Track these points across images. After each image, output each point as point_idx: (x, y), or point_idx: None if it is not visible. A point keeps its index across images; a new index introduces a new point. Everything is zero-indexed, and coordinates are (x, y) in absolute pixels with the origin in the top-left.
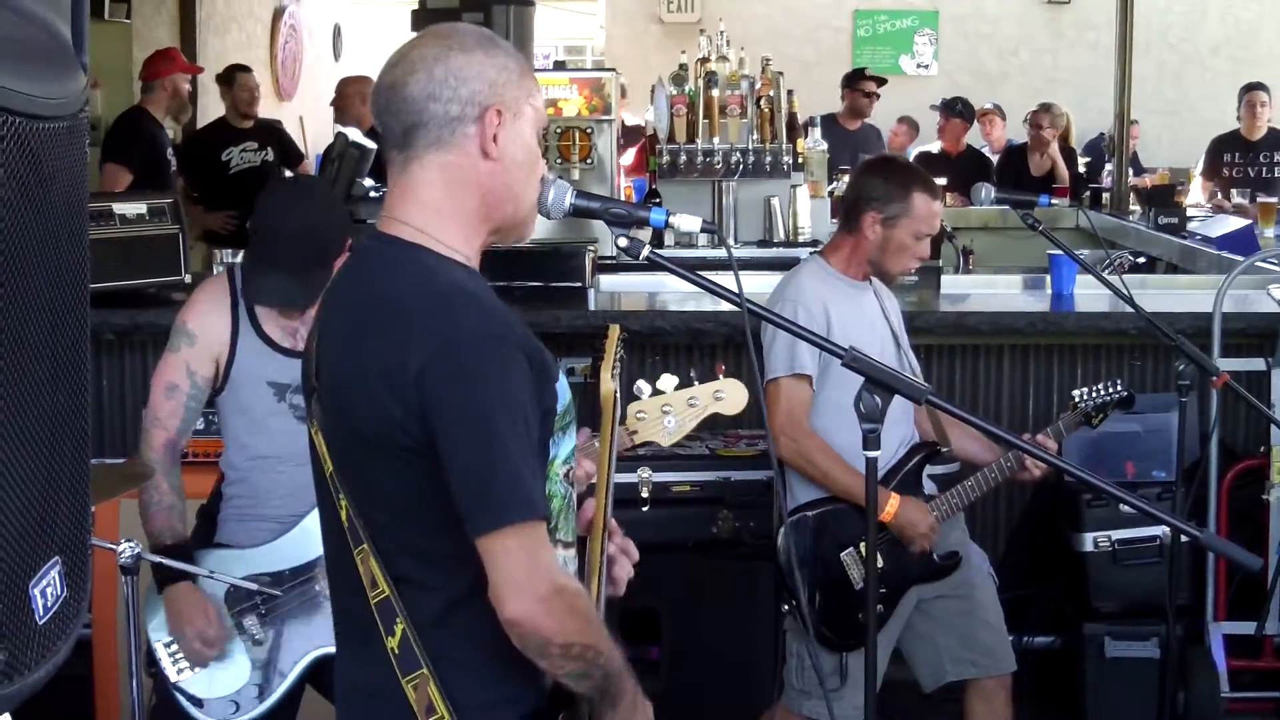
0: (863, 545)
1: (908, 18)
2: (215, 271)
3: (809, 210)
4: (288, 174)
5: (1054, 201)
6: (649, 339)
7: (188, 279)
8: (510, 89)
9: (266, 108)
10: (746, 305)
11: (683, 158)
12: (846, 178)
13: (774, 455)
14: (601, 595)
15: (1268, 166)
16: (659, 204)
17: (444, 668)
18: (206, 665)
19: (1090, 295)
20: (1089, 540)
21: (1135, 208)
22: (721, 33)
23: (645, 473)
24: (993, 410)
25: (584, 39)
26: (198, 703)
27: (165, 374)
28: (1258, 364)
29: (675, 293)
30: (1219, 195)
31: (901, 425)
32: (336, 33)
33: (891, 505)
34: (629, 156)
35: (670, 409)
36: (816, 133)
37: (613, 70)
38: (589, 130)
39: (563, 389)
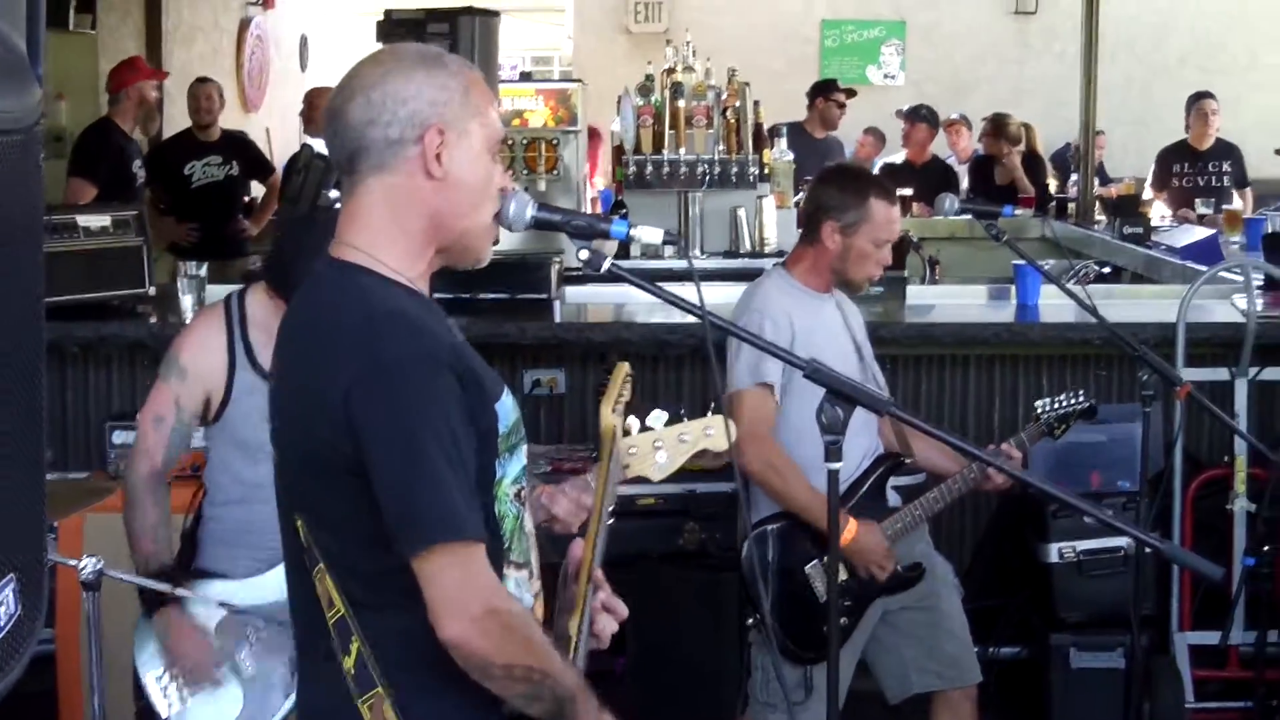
0: (826, 560)
1: (875, 28)
2: (180, 284)
3: (775, 221)
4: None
5: (1018, 211)
6: (614, 350)
7: (152, 291)
8: (453, 108)
9: (233, 119)
10: (707, 317)
11: (649, 168)
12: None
13: (737, 467)
14: (585, 626)
15: (1217, 175)
16: (625, 215)
17: (400, 687)
18: (201, 688)
19: (1055, 305)
20: (1054, 551)
21: (1101, 218)
22: (688, 43)
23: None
24: (958, 421)
25: (552, 49)
26: None
27: (154, 405)
28: (1221, 374)
29: (641, 304)
30: (1183, 208)
31: (864, 437)
32: (303, 43)
33: (849, 531)
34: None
35: (662, 444)
36: (783, 143)
37: (579, 81)
38: (555, 141)
39: (505, 409)
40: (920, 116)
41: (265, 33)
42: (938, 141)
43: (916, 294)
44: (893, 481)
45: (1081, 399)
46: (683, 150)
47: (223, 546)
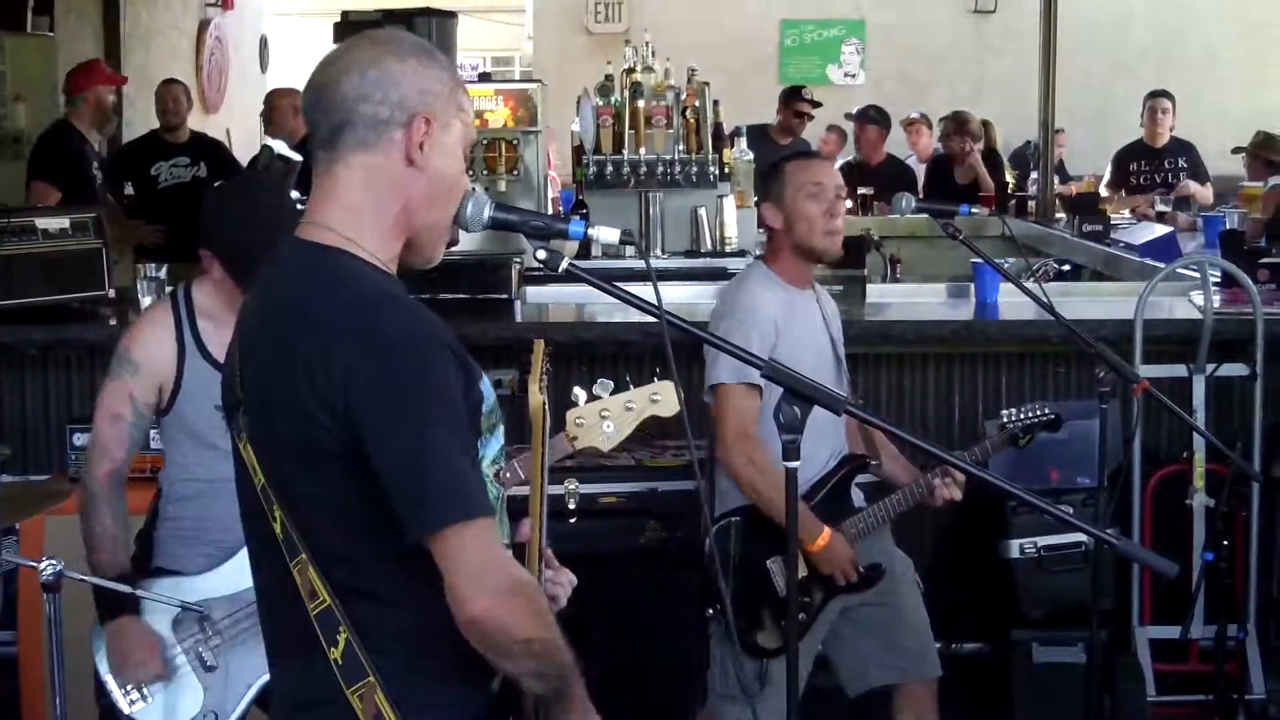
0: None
1: (834, 28)
2: (140, 286)
3: (736, 220)
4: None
5: (974, 210)
6: (575, 350)
7: (111, 294)
8: (441, 101)
9: (192, 120)
10: (664, 317)
11: (609, 168)
12: None
13: (695, 459)
14: None
15: (1173, 172)
16: (585, 215)
17: (390, 672)
18: (150, 696)
19: (1015, 303)
20: (1015, 547)
21: (1061, 215)
22: (647, 43)
23: (572, 484)
24: (917, 419)
25: (511, 50)
26: None
27: (108, 403)
28: (1179, 370)
29: (602, 304)
30: (1144, 205)
31: (833, 436)
32: (263, 44)
33: (823, 538)
34: None
35: (608, 414)
36: (743, 143)
37: (538, 81)
38: (515, 142)
39: (487, 389)
40: (869, 118)
41: (224, 34)
42: (899, 141)
43: (876, 292)
44: (858, 480)
45: (1046, 411)
46: (643, 150)
47: (180, 544)
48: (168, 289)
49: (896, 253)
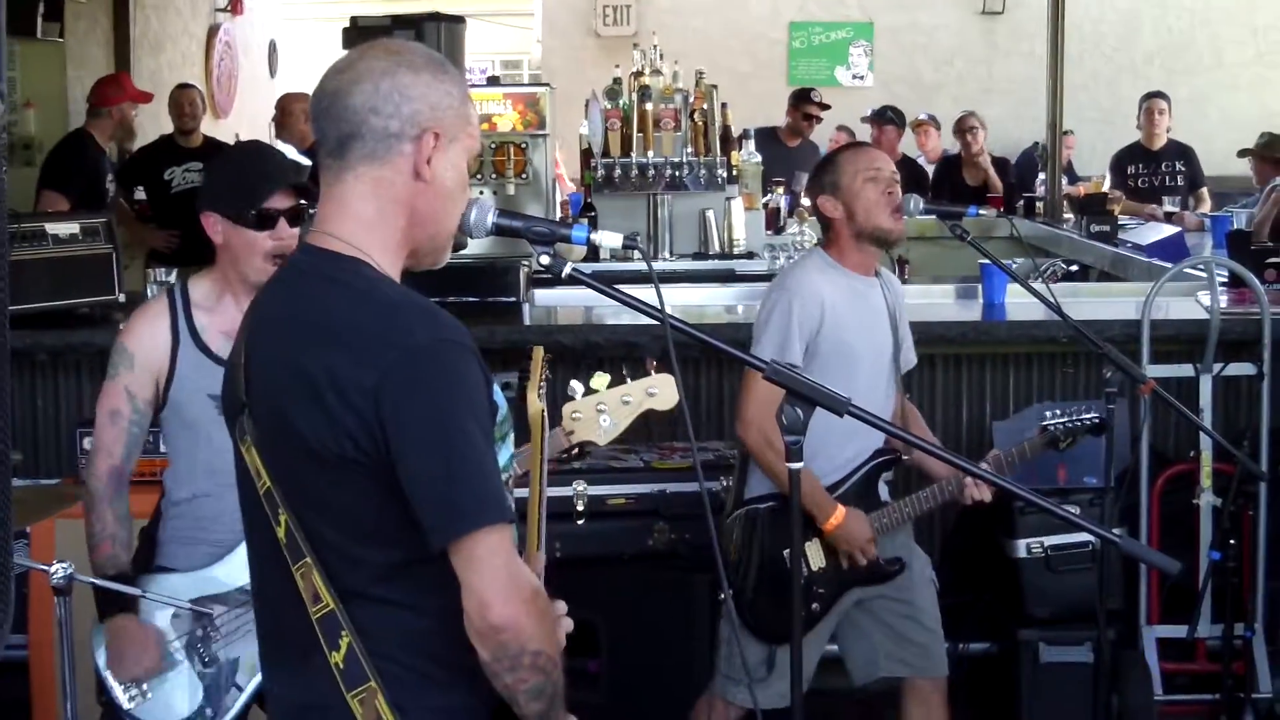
0: (808, 545)
1: (843, 29)
2: (150, 290)
3: (744, 222)
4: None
5: (982, 211)
6: (583, 353)
7: (121, 298)
8: (450, 115)
9: (202, 125)
10: (667, 320)
11: (617, 171)
12: (780, 189)
13: (697, 459)
14: None
15: (1171, 175)
16: (593, 218)
17: (391, 677)
18: (148, 693)
19: (1023, 304)
20: (1022, 547)
21: (1069, 216)
22: (655, 46)
23: (580, 486)
24: (926, 419)
25: (520, 53)
26: None
27: (107, 401)
28: (1186, 370)
29: (610, 307)
30: (1147, 206)
31: (865, 429)
32: (272, 49)
33: (836, 516)
34: None
35: (605, 408)
36: (750, 145)
37: (547, 85)
38: (524, 145)
39: (499, 397)
40: (886, 119)
41: (234, 39)
42: (907, 142)
43: None
44: (886, 476)
45: (1091, 414)
46: (651, 153)
47: (181, 542)
48: (155, 284)
49: (905, 253)
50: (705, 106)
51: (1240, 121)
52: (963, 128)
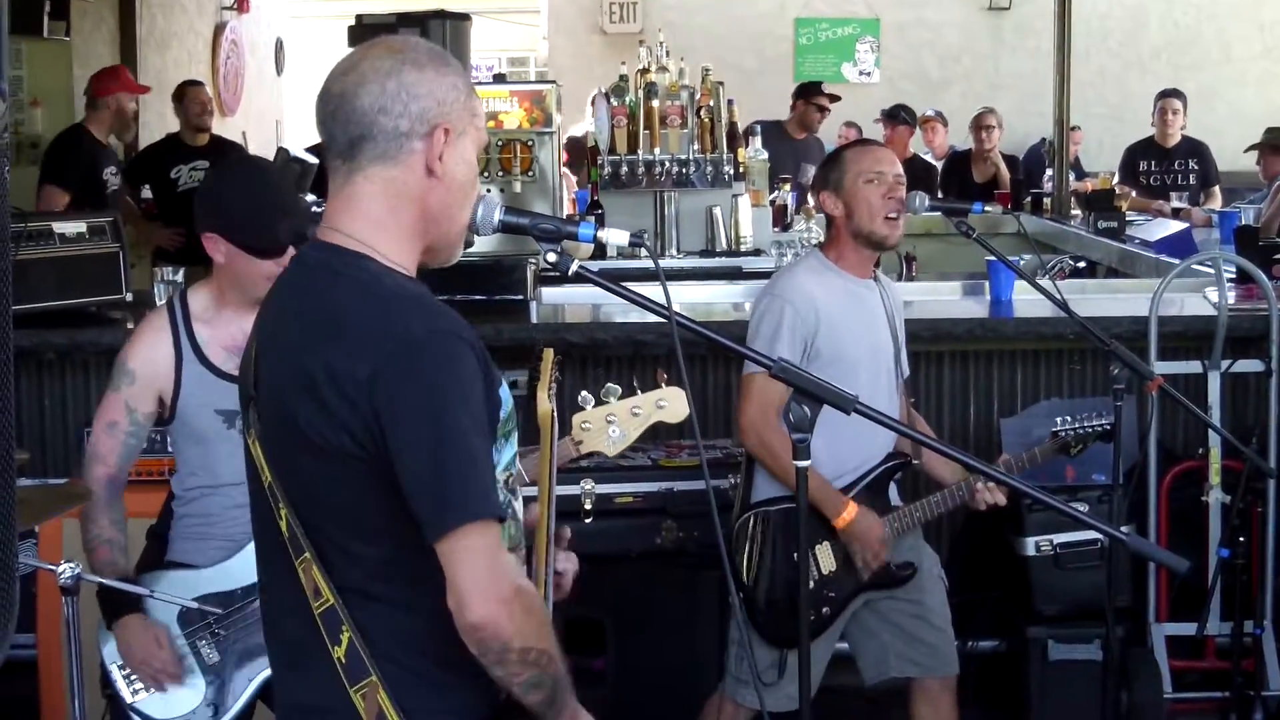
0: (819, 547)
1: (849, 25)
2: (157, 289)
3: (751, 219)
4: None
5: (988, 208)
6: (591, 351)
7: (129, 297)
8: (458, 109)
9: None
10: (673, 317)
11: (624, 169)
12: (788, 186)
13: (704, 459)
14: (548, 608)
15: (1183, 174)
16: (600, 216)
17: (393, 675)
18: (164, 688)
19: (1030, 301)
20: (1031, 544)
21: (1076, 212)
22: (662, 43)
23: (588, 484)
24: (932, 417)
25: (527, 50)
26: None
27: (106, 412)
28: (1194, 367)
29: (618, 305)
30: (1152, 209)
31: (875, 430)
32: (278, 47)
33: (848, 513)
34: None
35: (615, 419)
36: (757, 141)
37: (553, 82)
38: (530, 143)
39: (505, 396)
40: (899, 119)
41: (240, 37)
42: (914, 138)
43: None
44: (897, 478)
45: (1102, 420)
46: (657, 150)
47: (190, 540)
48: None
49: (911, 250)
50: (712, 103)
51: (1247, 117)
52: (980, 124)
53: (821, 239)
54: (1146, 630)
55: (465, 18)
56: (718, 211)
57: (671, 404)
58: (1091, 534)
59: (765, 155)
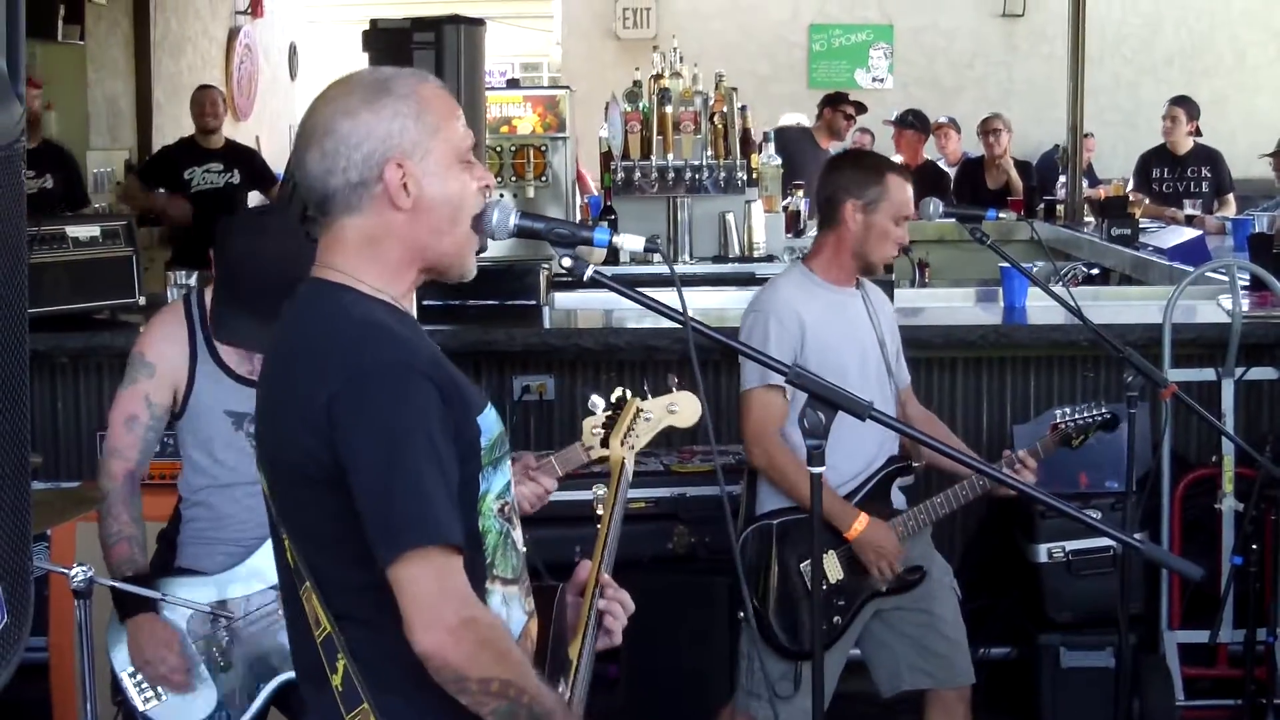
0: (825, 558)
1: (863, 32)
2: (170, 293)
3: (764, 225)
4: (252, 200)
5: (1001, 214)
6: (603, 356)
7: (142, 301)
8: (408, 134)
9: (223, 128)
10: (689, 323)
11: (637, 174)
12: (800, 192)
13: (718, 464)
14: (588, 648)
15: (1196, 181)
16: (614, 221)
17: (386, 703)
18: (176, 691)
19: (1044, 307)
20: (1043, 551)
21: (1090, 219)
22: (675, 49)
23: (600, 490)
24: (946, 422)
25: (540, 55)
26: None
27: (124, 406)
28: (1208, 374)
29: (630, 310)
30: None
31: (878, 433)
32: (292, 51)
33: (859, 524)
34: None
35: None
36: (770, 148)
37: (567, 88)
38: (543, 148)
39: (488, 422)
40: (907, 124)
41: (254, 41)
42: (927, 144)
43: (905, 296)
44: (899, 483)
45: (1102, 411)
46: (670, 156)
47: (198, 544)
48: (175, 288)
49: (925, 257)
50: (725, 109)
51: (1261, 123)
52: (987, 129)
53: None
54: (1159, 637)
55: (480, 23)
56: (730, 217)
57: (683, 408)
58: (1104, 541)
59: (778, 161)
